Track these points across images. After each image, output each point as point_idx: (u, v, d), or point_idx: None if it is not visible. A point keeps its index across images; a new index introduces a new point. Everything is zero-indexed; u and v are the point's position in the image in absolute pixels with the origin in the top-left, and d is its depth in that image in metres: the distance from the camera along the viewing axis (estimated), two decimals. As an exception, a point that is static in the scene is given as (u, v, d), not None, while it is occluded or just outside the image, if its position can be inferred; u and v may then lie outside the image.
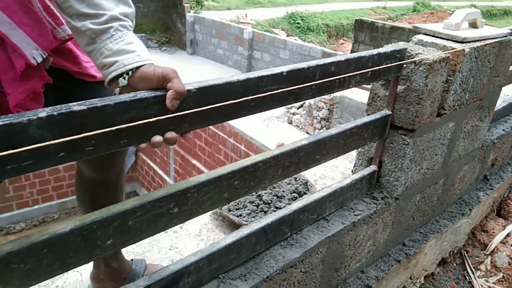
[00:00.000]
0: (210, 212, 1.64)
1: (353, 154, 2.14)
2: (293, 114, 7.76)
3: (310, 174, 1.89)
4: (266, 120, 7.74)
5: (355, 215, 1.22)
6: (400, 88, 1.24)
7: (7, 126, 0.54)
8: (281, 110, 8.11)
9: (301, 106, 7.73)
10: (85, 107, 0.60)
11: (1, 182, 0.91)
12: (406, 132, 1.27)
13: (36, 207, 8.30)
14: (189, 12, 12.38)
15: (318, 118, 7.13)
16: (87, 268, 1.31)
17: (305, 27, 14.37)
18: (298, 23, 14.39)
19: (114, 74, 0.70)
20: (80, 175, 1.10)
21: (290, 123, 7.66)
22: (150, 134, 0.69)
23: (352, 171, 1.46)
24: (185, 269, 0.88)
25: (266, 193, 1.53)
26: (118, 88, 0.71)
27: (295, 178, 1.63)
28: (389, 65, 1.13)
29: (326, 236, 1.12)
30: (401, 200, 1.37)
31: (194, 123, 0.74)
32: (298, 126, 7.51)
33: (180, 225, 1.56)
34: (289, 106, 7.80)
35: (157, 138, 0.69)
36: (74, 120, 0.60)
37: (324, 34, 14.77)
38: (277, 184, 1.60)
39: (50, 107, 0.58)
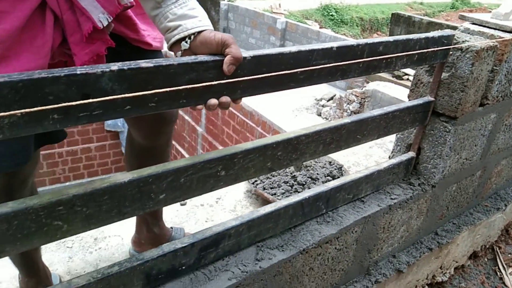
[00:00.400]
0: (244, 190, 1.68)
1: (388, 144, 2.14)
2: (323, 106, 7.69)
3: (343, 161, 1.90)
4: (295, 111, 7.71)
5: (391, 198, 1.23)
6: (444, 75, 1.23)
7: (83, 75, 0.58)
8: (310, 101, 8.08)
9: (331, 98, 7.66)
10: (151, 65, 0.64)
11: (64, 138, 0.97)
12: (448, 119, 1.26)
13: (67, 183, 8.61)
14: (223, 0, 12.42)
15: (348, 111, 7.05)
16: (129, 233, 1.38)
17: (339, 20, 14.15)
18: (332, 15, 14.18)
19: (177, 37, 0.74)
20: (131, 141, 1.16)
21: (319, 115, 7.61)
22: (207, 96, 0.72)
23: (389, 157, 1.47)
24: (226, 232, 0.92)
25: (300, 174, 1.55)
26: (179, 52, 0.75)
27: (330, 162, 1.65)
28: (436, 49, 1.12)
29: (362, 216, 1.14)
30: (437, 188, 1.36)
31: (246, 90, 0.77)
32: (327, 119, 7.45)
33: (218, 198, 1.61)
34: (318, 97, 7.75)
35: (213, 101, 0.72)
36: (141, 76, 0.64)
37: (357, 28, 14.51)
38: (312, 166, 1.62)
39: (121, 62, 0.62)
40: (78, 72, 0.57)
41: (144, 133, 1.11)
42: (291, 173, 1.55)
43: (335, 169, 1.61)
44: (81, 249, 1.33)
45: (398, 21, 9.46)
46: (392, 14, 10.17)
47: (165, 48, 0.94)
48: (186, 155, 9.06)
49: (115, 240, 1.37)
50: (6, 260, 1.27)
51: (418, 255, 1.39)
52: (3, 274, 1.24)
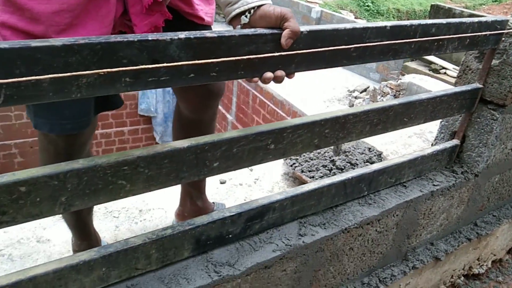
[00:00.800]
0: (282, 172, 1.70)
1: (427, 135, 2.11)
2: (355, 97, 7.57)
3: (382, 149, 1.89)
4: (326, 101, 7.64)
5: (434, 185, 1.23)
6: (495, 61, 1.21)
7: (154, 42, 0.62)
8: (342, 93, 7.99)
9: (364, 90, 7.54)
10: (215, 35, 0.67)
11: (121, 105, 1.03)
12: (496, 107, 1.24)
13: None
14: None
15: (382, 104, 6.93)
16: (172, 206, 1.43)
17: (375, 11, 13.82)
18: (367, 5, 13.87)
19: (237, 11, 0.76)
20: (179, 114, 1.21)
21: (352, 106, 7.51)
22: (263, 69, 0.75)
23: (432, 144, 1.45)
24: (271, 205, 0.95)
25: (339, 159, 1.56)
26: (239, 25, 0.78)
27: (369, 148, 1.65)
28: (489, 33, 1.10)
29: (404, 200, 1.14)
30: (480, 177, 1.34)
31: (300, 64, 0.79)
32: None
33: (256, 178, 1.64)
34: (351, 89, 7.64)
35: (269, 74, 0.75)
36: (205, 45, 0.67)
37: (394, 19, 14.13)
38: (351, 152, 1.62)
39: (187, 31, 0.65)
40: (150, 38, 0.61)
41: (192, 106, 1.15)
42: (330, 157, 1.56)
43: (375, 155, 1.60)
44: (127, 219, 1.40)
45: (437, 13, 9.16)
46: (432, 5, 9.85)
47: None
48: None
49: (158, 213, 1.43)
50: (59, 226, 1.35)
51: (456, 245, 1.38)
52: (56, 238, 1.32)
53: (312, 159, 1.56)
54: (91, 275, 0.76)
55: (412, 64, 6.49)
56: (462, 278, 1.50)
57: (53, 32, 0.79)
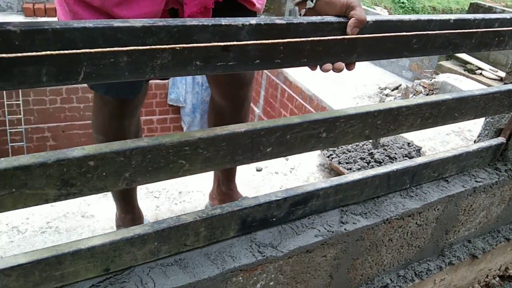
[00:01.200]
0: (317, 163, 1.71)
1: (466, 133, 2.06)
2: (386, 95, 7.43)
3: (420, 145, 1.87)
4: (356, 98, 7.51)
5: (476, 181, 1.21)
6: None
7: (226, 27, 0.62)
8: (373, 90, 7.85)
9: (396, 88, 7.38)
10: (284, 22, 0.67)
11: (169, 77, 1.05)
12: (549, 107, 1.20)
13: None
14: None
15: (413, 101, 6.78)
16: (209, 189, 1.47)
17: (410, 8, 13.35)
18: (402, 2, 13.41)
19: None
20: (212, 100, 1.24)
21: (383, 104, 7.36)
22: (325, 58, 0.75)
23: (474, 141, 1.43)
24: (315, 192, 0.96)
25: (378, 152, 1.55)
26: (303, 10, 0.77)
27: (408, 143, 1.63)
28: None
29: (446, 195, 1.13)
30: (524, 177, 1.31)
31: (362, 54, 0.79)
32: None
33: (292, 168, 1.66)
34: (382, 86, 7.49)
35: (329, 66, 0.75)
36: (273, 32, 0.67)
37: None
38: (389, 146, 1.61)
39: (257, 17, 0.66)
40: (223, 23, 0.62)
41: (224, 95, 1.21)
42: (368, 150, 1.55)
43: (414, 150, 1.59)
44: (167, 200, 1.44)
45: (476, 11, 8.76)
46: (471, 4, 9.44)
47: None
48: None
49: (197, 195, 1.47)
50: (103, 203, 1.40)
51: (494, 244, 1.37)
52: (99, 214, 1.37)
53: (350, 151, 1.56)
54: (143, 248, 0.79)
55: (447, 64, 6.28)
56: (498, 278, 1.49)
57: (109, 5, 0.81)
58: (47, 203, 0.64)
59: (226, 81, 1.16)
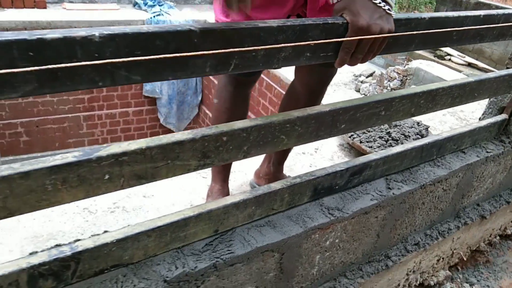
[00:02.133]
0: (337, 143, 1.89)
1: (459, 113, 2.30)
2: (361, 82, 7.73)
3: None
4: (333, 85, 7.75)
5: (487, 152, 1.43)
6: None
7: (331, 24, 0.79)
8: (348, 77, 8.13)
9: (370, 75, 7.70)
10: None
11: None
12: (544, 87, 1.43)
13: (105, 145, 8.96)
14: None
15: (388, 88, 7.11)
16: (250, 170, 1.62)
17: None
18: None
19: None
20: (293, 89, 1.39)
21: (358, 91, 7.65)
22: (394, 49, 0.92)
23: (479, 118, 1.65)
24: (368, 163, 1.14)
25: (394, 131, 1.75)
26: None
27: (418, 123, 1.84)
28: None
29: (466, 163, 1.34)
30: (523, 148, 1.55)
31: (418, 45, 0.96)
32: (366, 95, 7.52)
33: (316, 148, 1.83)
34: (357, 74, 7.80)
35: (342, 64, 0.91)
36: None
37: (395, 6, 14.11)
38: (401, 125, 1.81)
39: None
40: (329, 22, 0.78)
41: (305, 85, 1.36)
42: (385, 129, 1.75)
43: (423, 128, 1.80)
44: (208, 179, 1.58)
45: (444, 0, 9.31)
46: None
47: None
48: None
49: (240, 175, 1.62)
50: (159, 184, 1.53)
51: (498, 206, 1.60)
52: (158, 194, 1.50)
53: (369, 131, 1.75)
54: (244, 211, 0.95)
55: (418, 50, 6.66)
56: (498, 237, 1.72)
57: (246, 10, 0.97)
58: (188, 172, 0.79)
59: (313, 75, 1.31)
